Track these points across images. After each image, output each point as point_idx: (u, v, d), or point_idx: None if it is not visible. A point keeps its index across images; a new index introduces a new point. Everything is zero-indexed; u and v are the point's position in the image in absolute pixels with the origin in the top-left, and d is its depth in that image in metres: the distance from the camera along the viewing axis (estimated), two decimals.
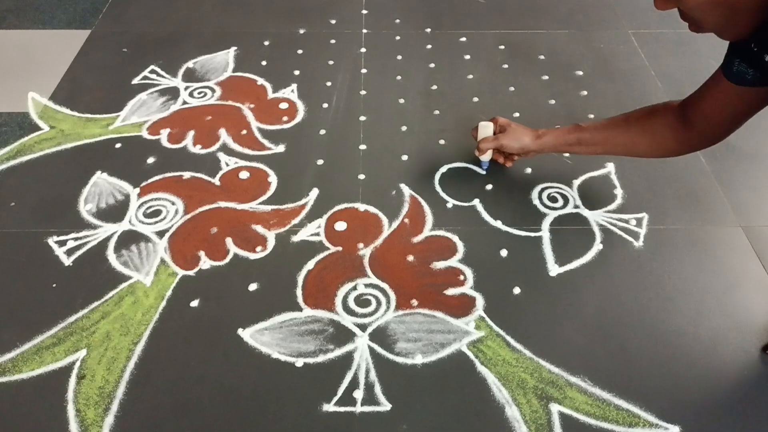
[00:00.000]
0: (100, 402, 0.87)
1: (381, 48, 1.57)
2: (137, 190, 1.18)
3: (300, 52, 1.55)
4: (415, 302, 0.99)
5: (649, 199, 1.17)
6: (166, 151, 1.27)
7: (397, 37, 1.61)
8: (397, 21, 1.67)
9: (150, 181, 1.20)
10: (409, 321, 0.97)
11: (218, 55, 1.53)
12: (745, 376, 0.91)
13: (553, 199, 1.17)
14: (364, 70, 1.49)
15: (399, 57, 1.54)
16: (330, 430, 0.84)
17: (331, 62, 1.51)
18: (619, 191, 1.19)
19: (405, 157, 1.26)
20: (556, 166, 1.23)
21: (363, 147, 1.28)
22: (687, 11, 0.77)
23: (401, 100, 1.41)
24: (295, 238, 1.09)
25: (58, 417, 0.85)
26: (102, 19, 1.66)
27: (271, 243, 1.09)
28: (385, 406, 0.87)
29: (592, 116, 1.36)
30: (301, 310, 0.98)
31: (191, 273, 1.04)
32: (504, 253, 1.08)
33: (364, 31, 1.63)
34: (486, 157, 1.18)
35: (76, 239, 1.09)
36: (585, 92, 1.43)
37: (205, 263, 1.05)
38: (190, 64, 1.50)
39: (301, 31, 1.62)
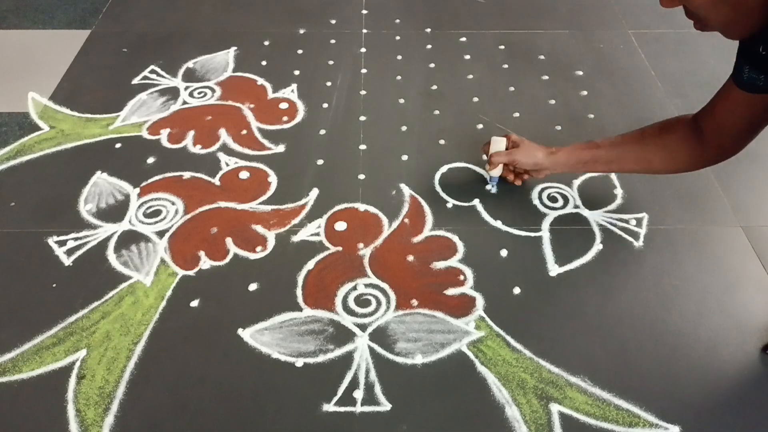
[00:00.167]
0: (100, 402, 0.87)
1: (381, 48, 1.57)
2: (137, 190, 1.18)
3: (300, 52, 1.55)
4: (415, 302, 0.99)
5: (649, 199, 1.17)
6: (166, 151, 1.27)
7: (397, 37, 1.61)
8: (397, 21, 1.67)
9: (150, 181, 1.20)
10: (409, 321, 0.97)
11: (218, 55, 1.53)
12: (745, 376, 0.91)
13: (553, 199, 1.17)
14: (364, 70, 1.49)
15: (399, 57, 1.54)
16: (330, 430, 0.84)
17: (331, 62, 1.51)
18: (619, 191, 1.19)
19: (405, 157, 1.26)
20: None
21: (363, 147, 1.28)
22: (692, 9, 0.76)
23: (401, 100, 1.41)
24: (295, 238, 1.10)
25: (58, 417, 0.85)
26: (102, 19, 1.67)
27: (271, 243, 1.09)
28: (385, 406, 0.87)
29: (591, 116, 1.36)
30: (301, 310, 0.98)
31: (191, 273, 1.04)
32: (504, 253, 1.08)
33: (364, 31, 1.63)
34: (496, 173, 1.14)
35: (76, 239, 1.09)
36: (585, 92, 1.43)
37: (205, 263, 1.05)
38: (190, 64, 1.51)
39: (301, 31, 1.62)
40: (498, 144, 1.13)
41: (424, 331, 0.95)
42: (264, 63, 1.51)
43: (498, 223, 1.12)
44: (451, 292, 1.01)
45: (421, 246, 1.08)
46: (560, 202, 1.16)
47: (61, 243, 1.08)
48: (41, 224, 1.11)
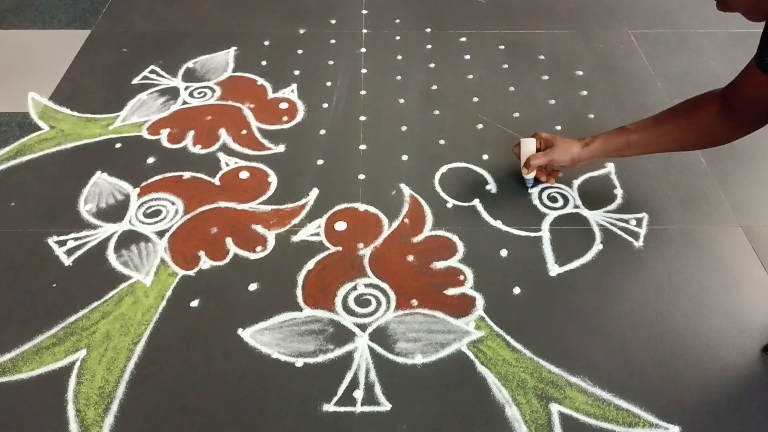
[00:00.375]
0: (100, 402, 0.87)
1: (381, 48, 1.57)
2: (137, 190, 1.18)
3: (300, 52, 1.55)
4: (415, 302, 0.99)
5: (649, 199, 1.17)
6: (166, 151, 1.27)
7: (397, 37, 1.61)
8: (397, 21, 1.67)
9: (150, 181, 1.20)
10: (409, 321, 0.97)
11: (218, 55, 1.53)
12: (745, 376, 0.91)
13: (553, 199, 1.17)
14: (364, 70, 1.49)
15: (399, 57, 1.54)
16: (330, 430, 0.84)
17: (331, 62, 1.51)
18: (619, 191, 1.19)
19: (405, 157, 1.26)
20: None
21: (363, 147, 1.28)
22: None
23: (401, 100, 1.41)
24: (295, 238, 1.10)
25: (58, 417, 0.85)
26: (102, 19, 1.67)
27: (271, 243, 1.09)
28: (385, 406, 0.87)
29: (591, 116, 1.36)
30: (301, 310, 0.98)
31: (191, 273, 1.04)
32: (504, 253, 1.08)
33: (364, 31, 1.63)
34: (531, 175, 1.14)
35: (76, 239, 1.09)
36: (585, 92, 1.43)
37: (205, 263, 1.05)
38: (190, 64, 1.51)
39: (301, 31, 1.62)
40: (529, 145, 1.12)
41: (424, 331, 0.95)
42: (264, 63, 1.51)
43: (498, 223, 1.12)
44: (451, 292, 1.01)
45: (421, 246, 1.08)
46: (560, 202, 1.16)
47: (61, 243, 1.08)
48: (41, 224, 1.11)
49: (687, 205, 1.16)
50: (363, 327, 0.96)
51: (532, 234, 1.11)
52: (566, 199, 1.17)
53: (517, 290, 1.02)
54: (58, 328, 0.96)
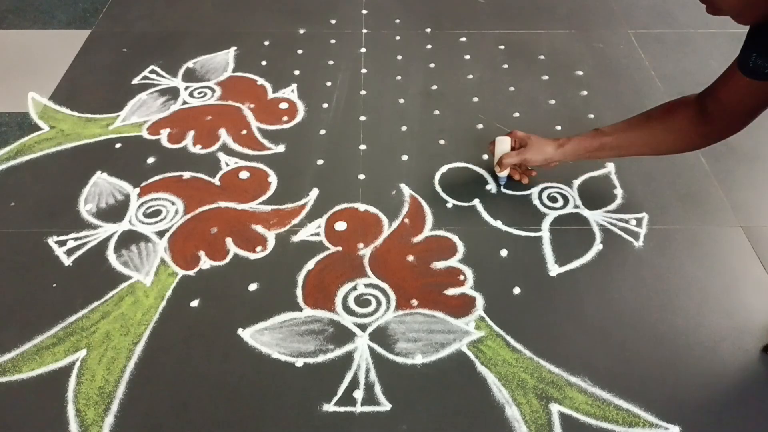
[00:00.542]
0: (100, 402, 0.87)
1: (381, 48, 1.57)
2: (137, 190, 1.18)
3: (300, 52, 1.55)
4: (415, 302, 0.99)
5: (649, 199, 1.17)
6: (166, 151, 1.27)
7: (397, 37, 1.61)
8: (397, 21, 1.67)
9: (150, 181, 1.20)
10: (409, 321, 0.97)
11: (218, 55, 1.53)
12: (745, 376, 0.91)
13: (553, 199, 1.17)
14: (364, 70, 1.49)
15: (399, 57, 1.54)
16: (330, 430, 0.84)
17: (331, 62, 1.51)
18: (619, 191, 1.19)
19: (405, 157, 1.26)
20: (556, 166, 1.23)
21: (363, 147, 1.28)
22: None
23: (401, 100, 1.41)
24: (295, 238, 1.10)
25: (58, 417, 0.85)
26: (102, 19, 1.66)
27: (271, 243, 1.09)
28: (385, 406, 0.87)
29: (592, 116, 1.36)
30: (301, 310, 0.98)
31: (191, 273, 1.04)
32: (504, 253, 1.08)
33: (364, 31, 1.63)
34: (504, 173, 1.15)
35: (76, 239, 1.09)
36: (585, 92, 1.43)
37: (205, 263, 1.05)
38: (190, 64, 1.51)
39: (301, 31, 1.62)
40: (503, 144, 1.13)
41: (424, 331, 0.95)
42: (264, 63, 1.51)
43: (498, 223, 1.12)
44: (451, 292, 1.01)
45: (421, 246, 1.08)
46: (560, 202, 1.16)
47: (61, 243, 1.08)
48: (41, 224, 1.11)
49: (687, 205, 1.16)
50: (363, 327, 0.96)
51: (532, 234, 1.11)
52: (566, 199, 1.17)
53: (517, 290, 1.02)
54: (58, 328, 0.96)
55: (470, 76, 1.48)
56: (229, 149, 1.27)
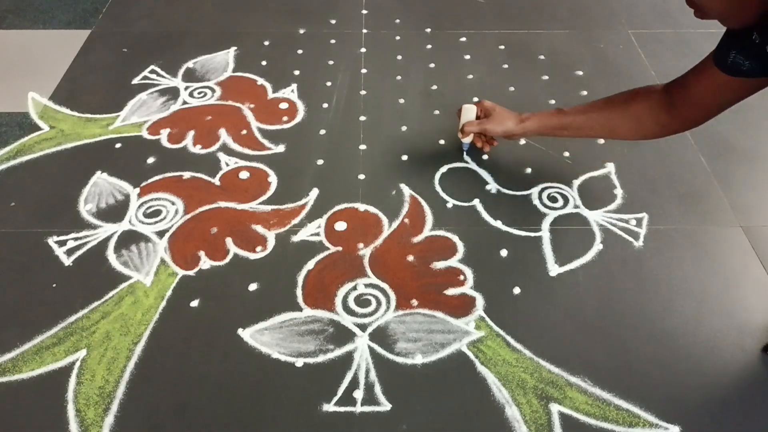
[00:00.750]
0: (100, 402, 0.87)
1: (381, 48, 1.57)
2: (137, 190, 1.18)
3: (300, 52, 1.55)
4: (415, 302, 0.99)
5: (649, 199, 1.17)
6: (166, 151, 1.27)
7: (397, 37, 1.61)
8: (397, 21, 1.67)
9: (150, 181, 1.20)
10: (409, 321, 0.97)
11: (218, 55, 1.53)
12: (745, 376, 0.91)
13: (553, 199, 1.17)
14: (364, 70, 1.49)
15: (399, 57, 1.54)
16: (330, 430, 0.84)
17: (331, 62, 1.51)
18: (619, 191, 1.19)
19: (405, 157, 1.26)
20: (556, 165, 1.23)
21: (363, 147, 1.28)
22: None
23: (401, 100, 1.41)
24: (295, 238, 1.10)
25: (58, 417, 0.85)
26: (102, 19, 1.67)
27: (271, 243, 1.09)
28: (385, 406, 0.87)
29: None
30: (301, 310, 0.98)
31: (191, 273, 1.04)
32: (504, 253, 1.08)
33: (364, 31, 1.63)
34: (467, 139, 1.21)
35: (76, 239, 1.09)
36: (585, 92, 1.43)
37: (205, 263, 1.05)
38: (190, 64, 1.51)
39: (301, 31, 1.62)
40: (469, 112, 1.19)
41: (424, 331, 0.95)
42: (264, 63, 1.51)
43: (498, 223, 1.12)
44: (451, 292, 1.01)
45: (421, 246, 1.08)
46: (560, 202, 1.16)
47: (61, 243, 1.08)
48: (41, 224, 1.11)
49: (687, 205, 1.16)
50: (363, 327, 0.96)
51: (532, 234, 1.11)
52: (566, 199, 1.17)
53: (517, 290, 1.02)
54: (58, 328, 0.96)
55: (470, 76, 1.48)
56: (229, 149, 1.27)
